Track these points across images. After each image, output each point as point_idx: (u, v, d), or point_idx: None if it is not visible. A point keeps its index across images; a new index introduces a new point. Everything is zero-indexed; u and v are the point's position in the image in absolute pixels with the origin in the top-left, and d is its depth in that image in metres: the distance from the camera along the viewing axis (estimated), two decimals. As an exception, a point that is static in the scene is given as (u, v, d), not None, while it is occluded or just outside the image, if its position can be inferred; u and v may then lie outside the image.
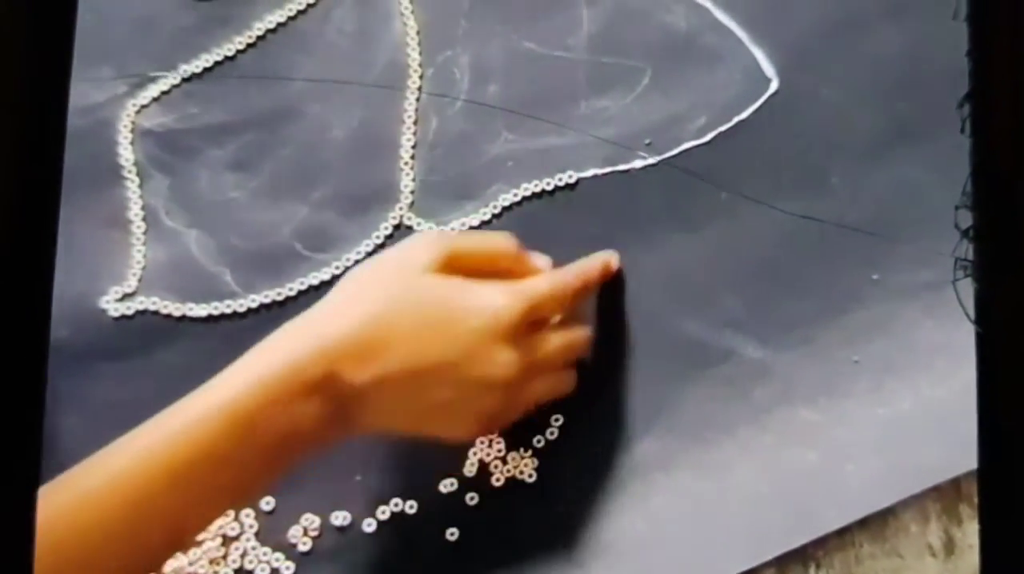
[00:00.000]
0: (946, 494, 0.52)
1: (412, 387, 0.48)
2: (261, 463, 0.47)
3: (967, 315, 0.52)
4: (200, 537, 0.54)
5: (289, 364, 0.46)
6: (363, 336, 0.47)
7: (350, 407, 0.47)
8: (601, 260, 0.55)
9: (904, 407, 0.53)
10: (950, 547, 0.52)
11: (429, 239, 0.51)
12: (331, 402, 0.47)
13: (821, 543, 0.52)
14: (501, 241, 0.53)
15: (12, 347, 0.36)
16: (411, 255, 0.50)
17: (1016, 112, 0.45)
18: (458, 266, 0.50)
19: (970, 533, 0.51)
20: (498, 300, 0.49)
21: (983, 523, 0.47)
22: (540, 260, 0.53)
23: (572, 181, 0.56)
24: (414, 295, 0.49)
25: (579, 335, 0.53)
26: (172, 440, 0.46)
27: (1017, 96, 0.44)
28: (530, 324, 0.50)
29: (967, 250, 0.52)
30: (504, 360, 0.49)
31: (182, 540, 0.50)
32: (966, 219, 0.53)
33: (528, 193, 0.56)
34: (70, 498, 0.45)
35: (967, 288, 0.52)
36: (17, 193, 0.38)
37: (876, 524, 0.52)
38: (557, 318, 0.53)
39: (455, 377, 0.48)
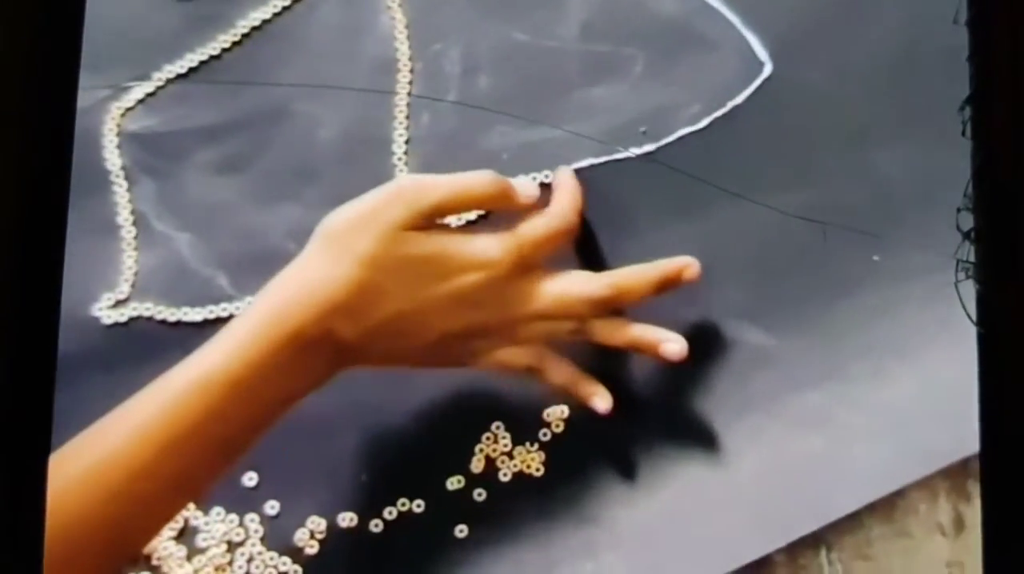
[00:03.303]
0: (954, 472, 0.52)
1: (406, 335, 0.50)
2: (262, 419, 0.49)
3: (968, 316, 0.52)
4: (204, 544, 0.53)
5: (288, 328, 0.48)
6: (354, 297, 0.49)
7: (349, 355, 0.50)
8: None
9: (909, 389, 0.53)
10: (960, 524, 0.52)
11: (406, 196, 0.50)
12: (329, 355, 0.49)
13: (831, 525, 0.52)
14: (481, 183, 0.51)
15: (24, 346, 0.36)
16: (388, 214, 0.49)
17: (1017, 116, 0.45)
18: (439, 215, 0.51)
19: (979, 510, 0.51)
20: (488, 254, 0.50)
21: (985, 505, 0.47)
22: (528, 189, 0.53)
23: (569, 169, 0.56)
24: (399, 255, 0.49)
25: (576, 282, 0.52)
26: (169, 409, 0.47)
27: (1017, 100, 0.45)
28: (526, 267, 0.51)
29: (969, 252, 0.53)
30: (498, 307, 0.50)
31: (184, 505, 0.52)
32: (967, 222, 0.53)
33: (524, 185, 0.56)
34: (65, 477, 0.47)
35: (969, 290, 0.53)
36: (24, 203, 0.38)
37: (885, 505, 0.52)
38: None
39: (451, 323, 0.50)
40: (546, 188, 0.55)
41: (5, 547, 0.44)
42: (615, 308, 0.53)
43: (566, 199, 0.54)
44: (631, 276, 0.52)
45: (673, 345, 0.52)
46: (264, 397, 0.49)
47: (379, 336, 0.49)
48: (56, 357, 0.51)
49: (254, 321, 0.49)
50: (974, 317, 0.52)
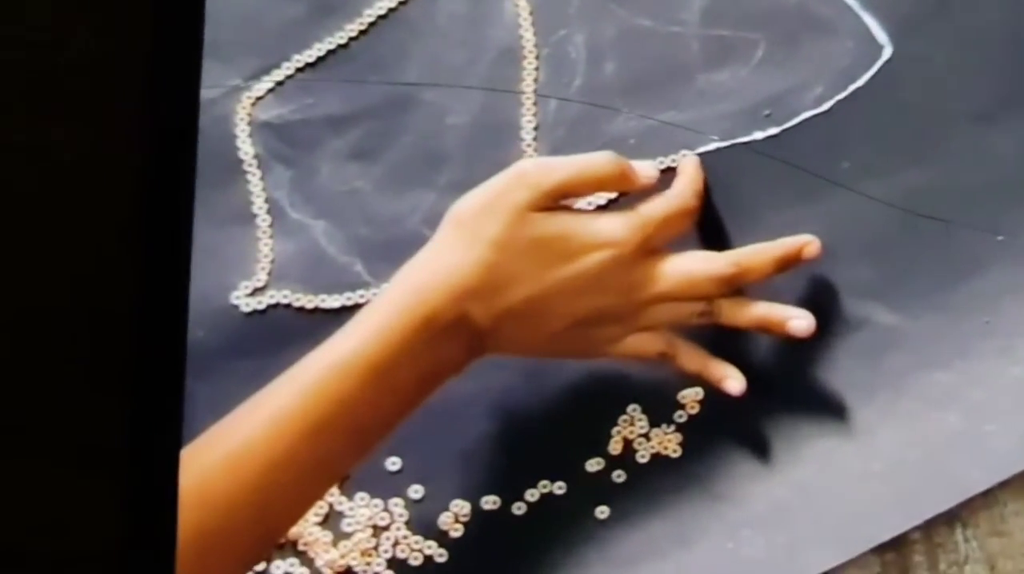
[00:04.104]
0: (1086, 449, 0.53)
1: (538, 318, 0.50)
2: (400, 406, 0.49)
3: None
4: (350, 529, 0.54)
5: (422, 312, 0.49)
6: (485, 280, 0.49)
7: (482, 340, 0.50)
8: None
9: (1038, 366, 0.54)
10: (1094, 500, 0.53)
11: (529, 179, 0.51)
12: (464, 340, 0.50)
13: (966, 503, 0.53)
14: (602, 163, 0.52)
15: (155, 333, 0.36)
16: (513, 196, 0.50)
17: None
18: (563, 196, 0.52)
19: (1111, 486, 0.52)
20: (613, 233, 0.51)
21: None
22: (647, 170, 0.53)
23: (694, 156, 0.56)
24: (526, 236, 0.50)
25: (700, 261, 0.52)
26: (306, 396, 0.48)
27: None
28: (649, 248, 0.51)
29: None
30: (624, 289, 0.50)
31: (324, 492, 0.52)
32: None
33: (652, 170, 0.56)
34: (205, 467, 0.47)
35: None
36: (152, 195, 0.38)
37: (1018, 481, 0.53)
38: None
39: (578, 307, 0.50)
40: (669, 173, 0.56)
41: (138, 541, 0.44)
42: (738, 288, 0.53)
43: (687, 182, 0.54)
44: (753, 254, 0.53)
45: (801, 321, 0.52)
46: (400, 383, 0.49)
47: (511, 320, 0.50)
48: (185, 352, 0.51)
49: (388, 307, 0.49)
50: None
